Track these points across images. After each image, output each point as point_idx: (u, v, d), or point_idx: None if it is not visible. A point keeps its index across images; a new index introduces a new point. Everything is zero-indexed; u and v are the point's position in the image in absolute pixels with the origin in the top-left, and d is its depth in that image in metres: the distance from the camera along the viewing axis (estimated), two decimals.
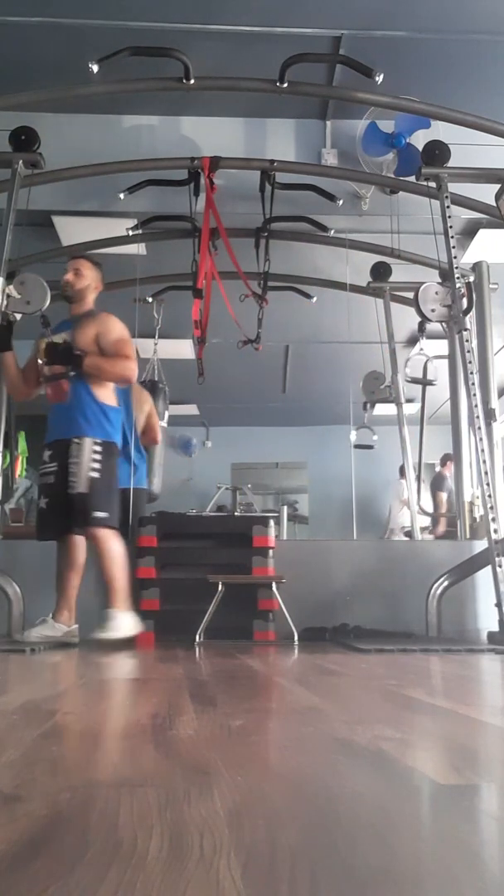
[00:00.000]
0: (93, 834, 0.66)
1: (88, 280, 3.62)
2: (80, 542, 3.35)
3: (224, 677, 2.05)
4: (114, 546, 3.34)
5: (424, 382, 4.86)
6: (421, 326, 4.73)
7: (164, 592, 3.69)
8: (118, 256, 4.95)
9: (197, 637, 3.43)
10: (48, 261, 4.83)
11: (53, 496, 3.36)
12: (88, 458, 3.34)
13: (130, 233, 4.66)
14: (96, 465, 3.34)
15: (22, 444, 5.25)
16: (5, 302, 3.52)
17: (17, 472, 5.14)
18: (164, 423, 4.93)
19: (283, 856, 0.60)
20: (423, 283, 3.81)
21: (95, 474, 3.32)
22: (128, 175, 4.36)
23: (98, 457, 3.36)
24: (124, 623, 3.25)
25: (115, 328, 3.50)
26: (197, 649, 3.13)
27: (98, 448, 3.37)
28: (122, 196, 4.42)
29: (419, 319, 3.92)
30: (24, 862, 0.58)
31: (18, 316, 3.74)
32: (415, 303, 3.76)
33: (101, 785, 0.83)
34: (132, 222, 4.64)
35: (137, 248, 4.89)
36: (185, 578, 3.68)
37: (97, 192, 4.54)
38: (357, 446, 5.34)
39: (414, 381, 4.88)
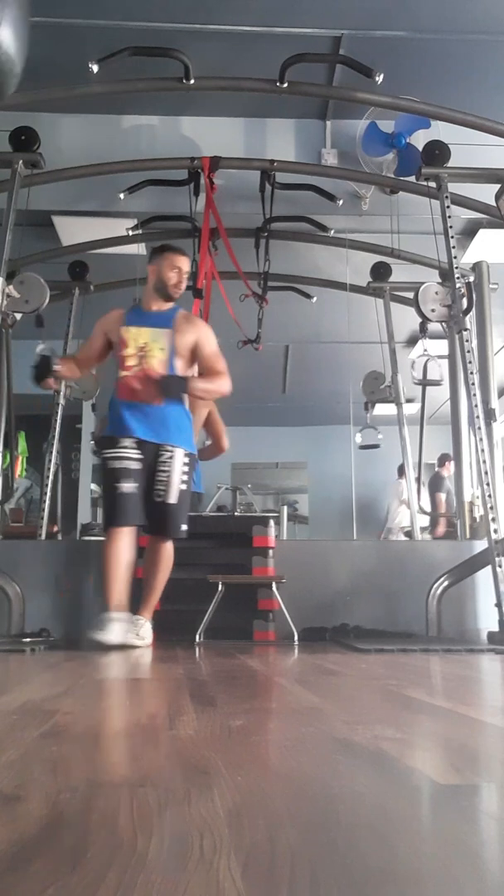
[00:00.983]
0: (93, 834, 0.66)
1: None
2: None
3: (224, 677, 2.05)
4: (172, 557, 3.33)
5: (429, 383, 4.80)
6: (422, 327, 4.71)
7: (164, 592, 3.68)
8: (118, 256, 4.96)
9: (197, 637, 3.43)
10: (48, 261, 4.84)
11: (134, 483, 3.21)
12: (180, 470, 3.27)
13: (130, 233, 4.66)
14: (185, 478, 3.29)
15: (22, 444, 5.25)
16: (5, 302, 3.52)
17: (17, 472, 5.14)
18: None
19: (283, 856, 0.60)
20: (423, 283, 3.81)
21: (184, 486, 3.28)
22: (128, 175, 4.36)
23: (186, 468, 3.30)
24: (149, 632, 3.23)
25: (213, 338, 3.40)
26: (197, 649, 3.13)
27: (187, 460, 3.31)
28: (122, 196, 4.42)
29: (419, 319, 3.92)
30: (24, 862, 0.58)
31: (19, 316, 3.75)
32: (415, 303, 3.76)
33: (101, 785, 0.83)
34: (132, 222, 4.65)
35: (137, 248, 4.89)
36: (185, 578, 3.67)
37: (97, 192, 4.54)
38: (364, 447, 5.32)
39: (426, 383, 4.78)
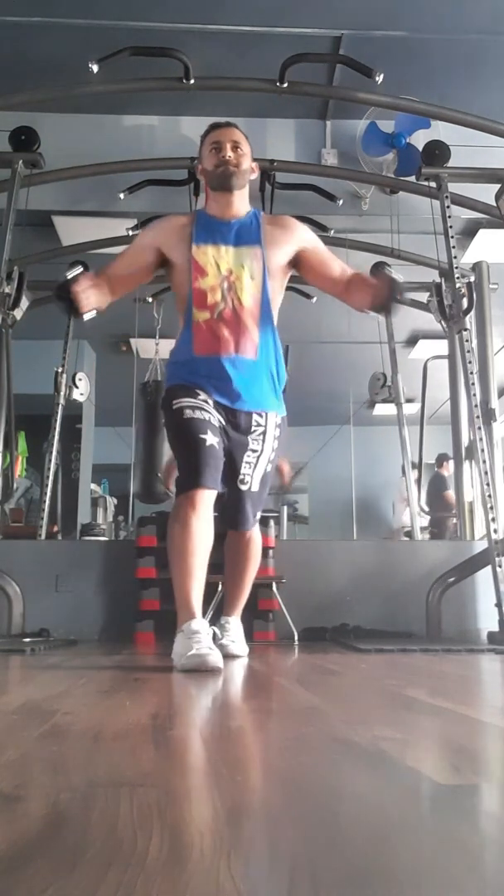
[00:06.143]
0: (93, 834, 0.65)
1: (249, 160, 2.57)
2: None
3: (224, 677, 2.05)
4: (260, 545, 2.75)
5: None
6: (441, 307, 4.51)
7: (164, 592, 3.68)
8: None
9: None
10: (48, 261, 4.84)
11: (219, 439, 2.40)
12: (270, 447, 2.55)
13: (130, 233, 4.66)
14: (273, 455, 2.58)
15: (22, 444, 5.25)
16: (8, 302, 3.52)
17: (17, 472, 5.14)
18: None
19: (283, 856, 0.60)
20: (421, 282, 3.82)
21: (269, 467, 2.59)
22: (128, 175, 4.36)
23: (276, 443, 2.59)
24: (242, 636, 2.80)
25: (316, 236, 2.56)
26: None
27: (278, 433, 2.58)
28: (122, 196, 4.43)
29: (419, 319, 3.92)
30: (25, 862, 0.58)
31: (19, 315, 3.75)
32: (436, 296, 3.76)
33: (101, 785, 0.83)
34: (132, 222, 4.64)
35: None
36: None
37: (97, 192, 4.54)
38: None
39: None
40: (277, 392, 2.56)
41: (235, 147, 2.51)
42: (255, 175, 2.64)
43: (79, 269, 2.42)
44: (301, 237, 2.56)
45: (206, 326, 2.40)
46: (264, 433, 2.51)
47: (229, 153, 2.49)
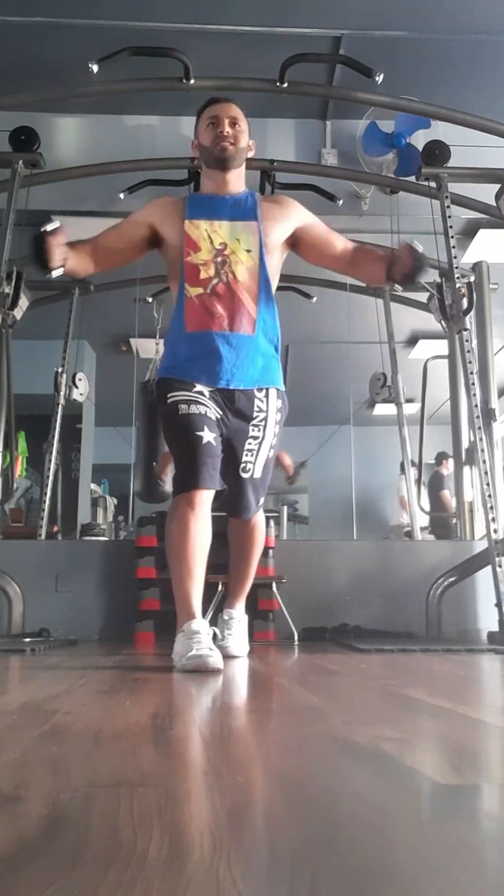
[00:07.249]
0: (93, 834, 0.65)
1: (247, 137, 2.51)
2: None
3: (224, 677, 2.05)
4: (264, 530, 2.69)
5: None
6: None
7: (164, 592, 3.68)
8: None
9: None
10: None
11: (217, 434, 2.34)
12: (273, 428, 2.47)
13: None
14: (275, 442, 2.50)
15: (22, 445, 5.25)
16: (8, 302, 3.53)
17: (17, 472, 5.14)
18: None
19: (283, 856, 0.60)
20: (422, 282, 3.81)
21: (272, 453, 2.51)
22: (128, 175, 4.37)
23: (279, 416, 2.48)
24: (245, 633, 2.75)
25: (313, 214, 2.50)
26: None
27: (280, 404, 2.49)
28: (122, 196, 4.43)
29: (419, 319, 3.92)
30: (24, 862, 0.58)
31: (19, 315, 3.75)
32: (437, 297, 3.76)
33: (101, 785, 0.83)
34: None
35: None
36: None
37: (97, 192, 4.55)
38: None
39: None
40: (276, 364, 2.48)
41: (234, 123, 2.46)
42: (251, 153, 2.57)
43: (57, 224, 2.34)
44: (299, 215, 2.51)
45: (199, 302, 2.36)
46: (266, 419, 2.44)
47: (227, 129, 2.44)
